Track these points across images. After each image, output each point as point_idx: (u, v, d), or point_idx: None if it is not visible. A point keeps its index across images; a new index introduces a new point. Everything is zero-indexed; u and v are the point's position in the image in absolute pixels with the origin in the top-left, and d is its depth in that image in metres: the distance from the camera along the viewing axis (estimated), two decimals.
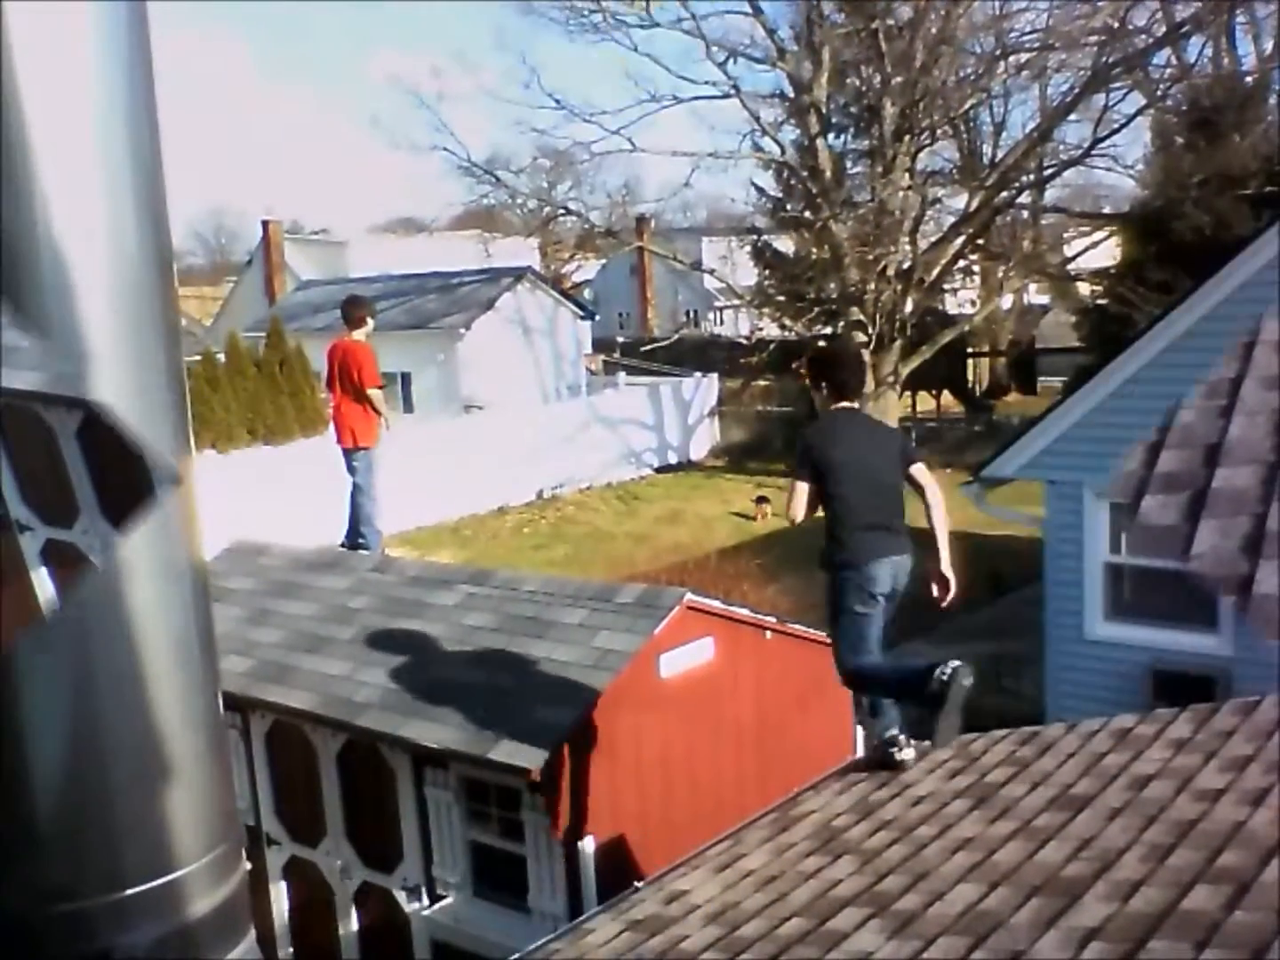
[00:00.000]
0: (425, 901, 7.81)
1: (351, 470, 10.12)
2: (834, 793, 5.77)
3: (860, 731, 8.29)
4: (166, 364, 1.19)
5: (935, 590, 6.26)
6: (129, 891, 1.16)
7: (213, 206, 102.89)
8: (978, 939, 3.63)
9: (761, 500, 26.22)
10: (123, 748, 1.16)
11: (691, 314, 57.42)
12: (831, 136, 32.15)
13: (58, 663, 1.13)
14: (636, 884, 5.33)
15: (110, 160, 1.13)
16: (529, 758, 6.76)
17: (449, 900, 7.68)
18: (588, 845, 7.07)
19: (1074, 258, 35.74)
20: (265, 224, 51.52)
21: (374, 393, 9.91)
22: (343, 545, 9.91)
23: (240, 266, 59.87)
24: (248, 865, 1.30)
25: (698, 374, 36.26)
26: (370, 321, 10.00)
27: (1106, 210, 36.97)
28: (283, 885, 8.85)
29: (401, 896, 7.97)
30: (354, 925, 8.44)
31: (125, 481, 1.47)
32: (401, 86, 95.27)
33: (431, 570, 9.90)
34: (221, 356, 28.75)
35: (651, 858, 6.85)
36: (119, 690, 1.16)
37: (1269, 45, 33.24)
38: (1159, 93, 30.91)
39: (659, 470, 33.48)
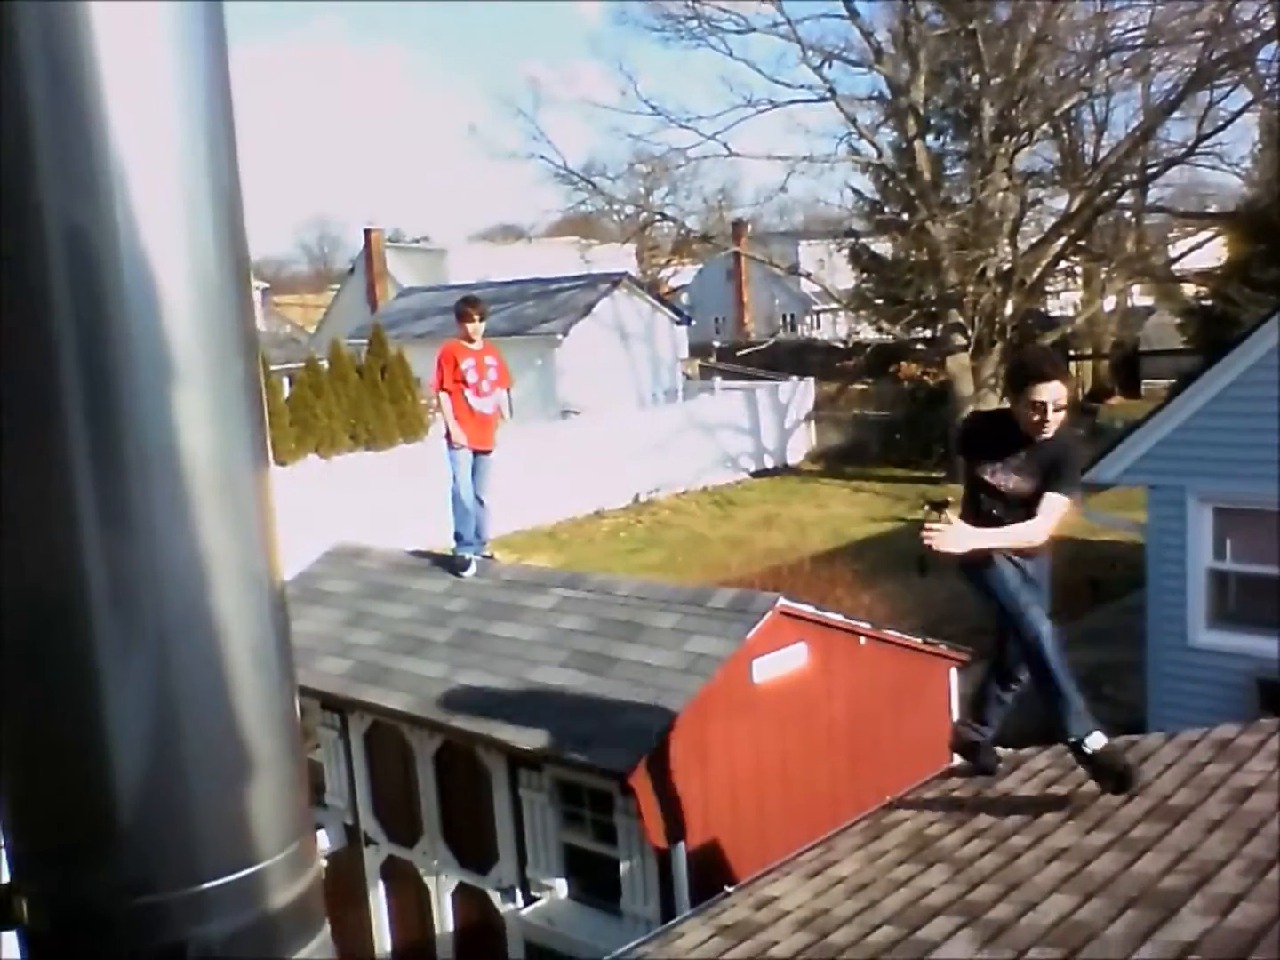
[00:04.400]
0: (520, 902, 7.88)
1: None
2: (927, 800, 5.73)
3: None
4: (244, 377, 1.22)
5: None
6: (206, 885, 1.20)
7: (316, 215, 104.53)
8: (1071, 951, 3.59)
9: (939, 506, 25.94)
10: (202, 746, 1.20)
11: (788, 318, 57.22)
12: (930, 138, 31.92)
13: (140, 662, 1.17)
14: (727, 889, 5.33)
15: (189, 173, 1.16)
16: (621, 761, 6.79)
17: (543, 902, 7.73)
18: (679, 850, 7.07)
19: (1179, 258, 35.10)
20: (367, 232, 52.28)
21: (439, 395, 9.91)
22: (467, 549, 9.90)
23: (343, 274, 60.83)
24: (323, 862, 1.33)
25: (794, 378, 36.10)
26: (464, 322, 9.89)
27: (1212, 209, 36.22)
28: (380, 884, 8.98)
29: (496, 897, 8.04)
30: (449, 925, 8.54)
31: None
32: (499, 95, 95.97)
33: (527, 573, 9.99)
34: (325, 363, 29.20)
35: (743, 863, 6.84)
36: (198, 690, 1.19)
37: None
38: (1266, 88, 30.19)
39: (755, 475, 33.39)
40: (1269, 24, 28.14)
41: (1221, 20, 27.67)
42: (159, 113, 1.13)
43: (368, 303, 49.60)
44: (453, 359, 9.79)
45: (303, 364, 28.88)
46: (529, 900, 7.83)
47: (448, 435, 9.86)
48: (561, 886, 7.71)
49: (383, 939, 9.07)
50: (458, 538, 9.80)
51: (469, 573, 9.57)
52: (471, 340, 9.88)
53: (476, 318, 9.92)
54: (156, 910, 1.18)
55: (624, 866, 7.26)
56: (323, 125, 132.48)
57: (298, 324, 55.54)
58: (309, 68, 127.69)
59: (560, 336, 34.27)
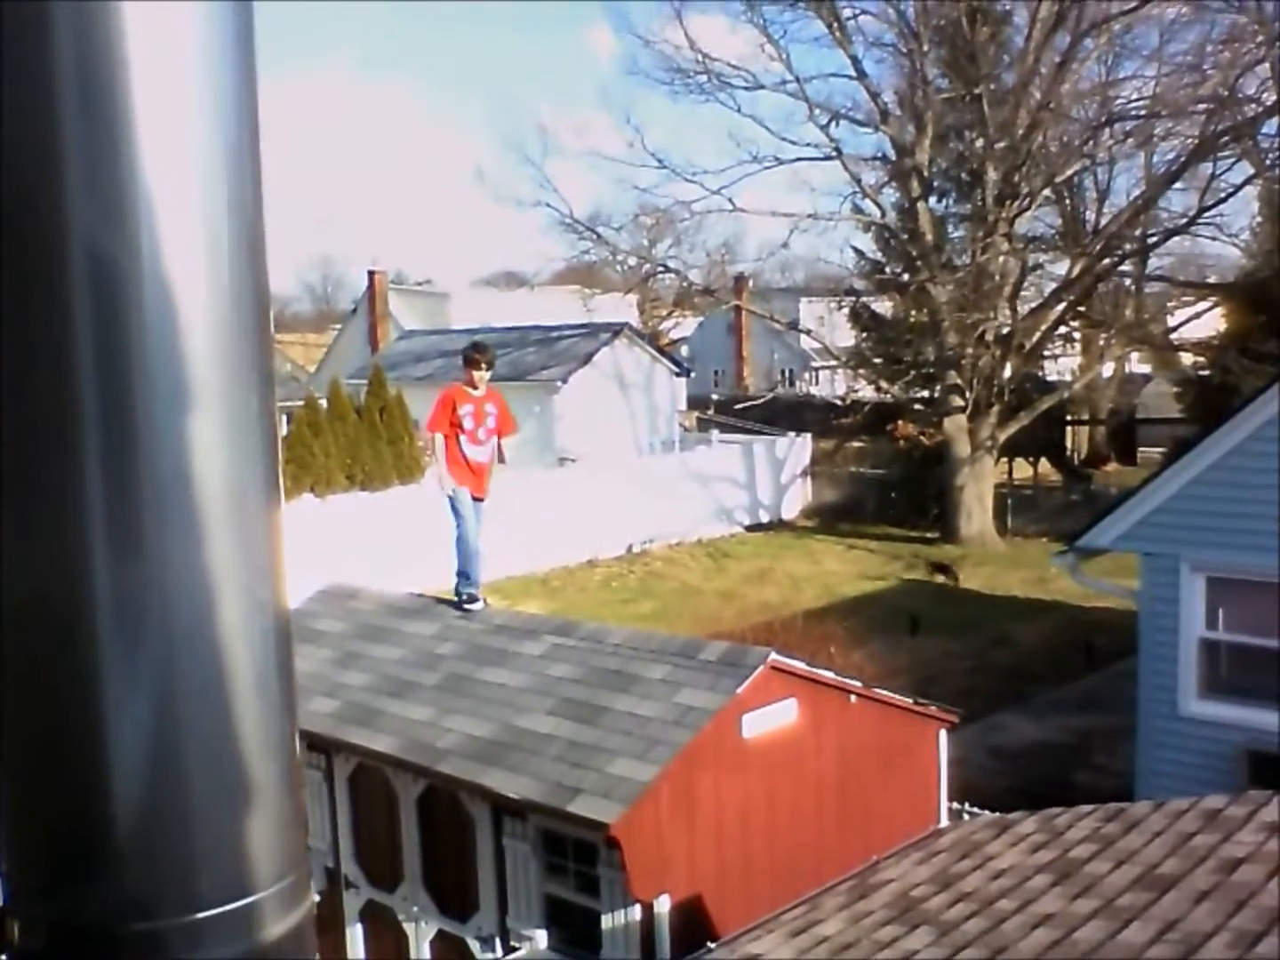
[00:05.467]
0: (499, 952, 7.81)
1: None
2: (914, 862, 5.69)
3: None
4: (259, 408, 1.22)
5: None
6: (202, 914, 1.19)
7: (320, 255, 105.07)
8: None
9: (942, 569, 26.17)
10: (202, 773, 1.19)
11: (787, 373, 57.44)
12: (932, 200, 32.19)
13: (143, 686, 1.17)
14: (710, 944, 5.29)
15: (215, 203, 1.17)
16: (607, 812, 6.75)
17: (522, 952, 7.66)
18: (663, 903, 7.02)
19: (1177, 327, 35.29)
20: (371, 274, 52.54)
21: (434, 438, 9.97)
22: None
23: (345, 315, 61.03)
24: (316, 897, 1.32)
25: (791, 433, 36.21)
26: (470, 369, 9.89)
27: (1211, 280, 36.46)
28: (359, 928, 8.90)
29: (475, 946, 7.97)
30: None
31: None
32: (507, 141, 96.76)
33: (518, 620, 9.97)
34: (324, 402, 29.25)
35: (727, 919, 6.79)
36: (200, 717, 1.19)
37: None
38: (1267, 162, 30.50)
39: (750, 529, 33.39)
40: (1271, 99, 28.48)
41: (1225, 94, 28.00)
42: (188, 141, 1.14)
43: (369, 344, 49.75)
44: (451, 404, 9.82)
45: (302, 402, 28.91)
46: (508, 950, 7.76)
47: (441, 482, 9.92)
48: (541, 937, 7.64)
49: None
50: (464, 576, 9.84)
51: (476, 606, 9.69)
52: (475, 387, 9.90)
53: (484, 365, 9.95)
54: (151, 937, 1.17)
55: (606, 919, 7.21)
56: (330, 165, 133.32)
57: (298, 363, 55.61)
58: (316, 106, 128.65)
59: (559, 384, 34.37)
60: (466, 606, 9.73)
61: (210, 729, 1.19)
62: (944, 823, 8.40)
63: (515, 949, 7.71)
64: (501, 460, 10.54)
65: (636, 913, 7.03)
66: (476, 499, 9.97)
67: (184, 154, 1.14)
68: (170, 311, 1.14)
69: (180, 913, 1.18)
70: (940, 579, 25.85)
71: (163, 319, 1.13)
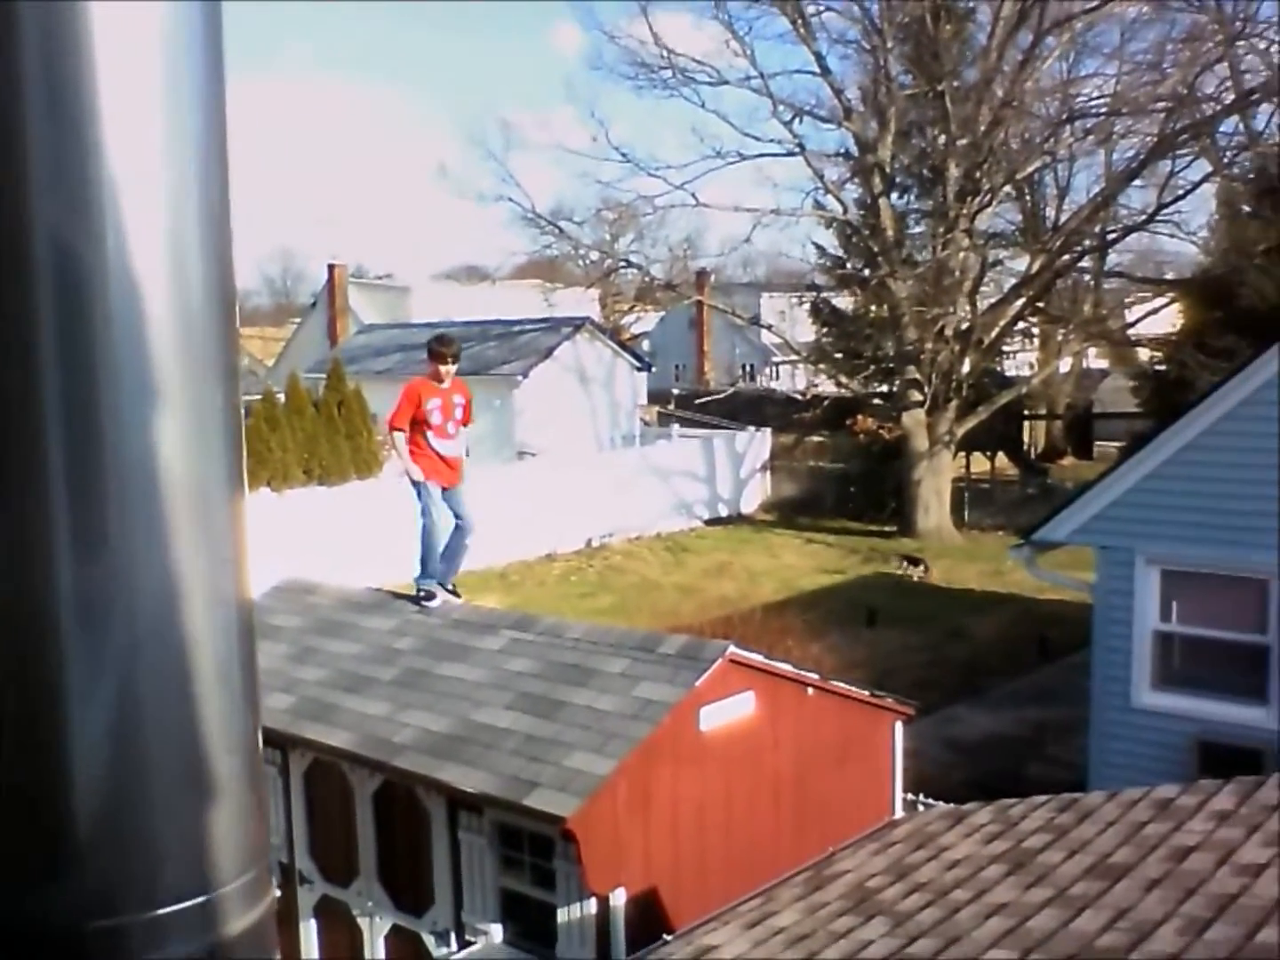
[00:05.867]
0: (454, 946, 7.81)
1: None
2: (869, 853, 5.74)
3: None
4: (224, 403, 1.23)
5: None
6: (165, 910, 1.19)
7: (280, 248, 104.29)
8: None
9: (914, 563, 26.34)
10: (164, 768, 1.20)
11: (748, 368, 57.59)
12: (894, 196, 32.31)
13: (106, 682, 1.17)
14: (666, 937, 5.32)
15: (181, 197, 1.17)
16: (563, 806, 6.76)
17: (478, 946, 7.66)
18: (619, 896, 7.04)
19: (1134, 323, 35.60)
20: (331, 267, 52.25)
21: (393, 434, 9.88)
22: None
23: (304, 308, 60.68)
24: (277, 892, 1.33)
25: (751, 428, 36.29)
26: (436, 362, 9.75)
27: (1169, 276, 36.80)
28: (313, 924, 8.87)
29: (430, 940, 7.97)
30: None
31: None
32: (470, 135, 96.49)
33: (476, 614, 9.96)
34: (281, 396, 29.08)
35: (683, 911, 6.83)
36: (163, 712, 1.19)
37: None
38: (1226, 160, 30.82)
39: (709, 523, 33.47)
40: (1230, 98, 28.77)
41: (1184, 93, 28.27)
42: (154, 136, 1.14)
43: (328, 338, 49.51)
44: (416, 399, 9.70)
45: (259, 396, 28.73)
46: (463, 944, 7.76)
47: (408, 473, 9.79)
48: (497, 931, 7.64)
49: None
50: (424, 570, 9.78)
51: (434, 604, 9.63)
52: (441, 380, 9.77)
53: (449, 359, 9.81)
54: (112, 934, 1.17)
55: (561, 912, 7.22)
56: (290, 158, 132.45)
57: (256, 356, 55.24)
58: (278, 99, 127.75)
59: (520, 378, 34.32)
60: (423, 602, 9.70)
61: (173, 724, 1.20)
62: (899, 814, 8.46)
63: (470, 943, 7.71)
64: (466, 453, 10.45)
65: (592, 906, 7.05)
66: (446, 489, 9.84)
67: (150, 148, 1.14)
68: (135, 306, 1.14)
69: (142, 909, 1.18)
70: (911, 570, 26.03)
71: (127, 313, 1.14)
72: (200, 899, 1.21)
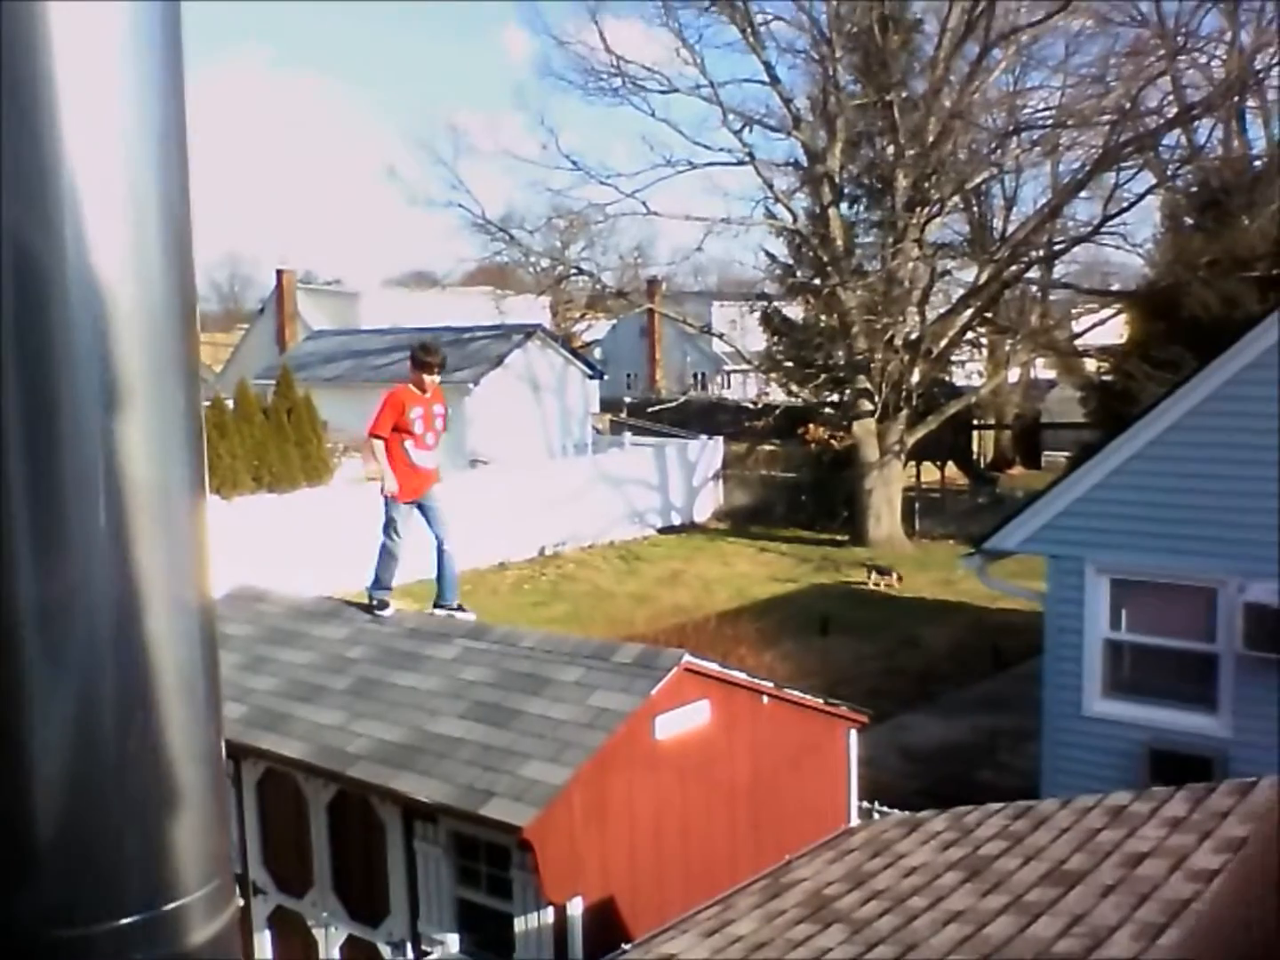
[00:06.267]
0: (410, 957, 7.75)
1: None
2: (826, 861, 5.74)
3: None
4: (186, 407, 1.21)
5: None
6: (128, 920, 1.17)
7: (228, 253, 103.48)
8: None
9: (884, 572, 26.43)
10: (126, 777, 1.17)
11: (699, 377, 57.73)
12: (844, 206, 32.50)
13: (66, 687, 1.15)
14: (625, 946, 5.30)
15: (141, 199, 1.16)
16: (519, 815, 6.73)
17: (434, 956, 7.61)
18: (576, 905, 7.02)
19: (1081, 334, 35.99)
20: (279, 273, 51.92)
21: (373, 441, 9.53)
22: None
23: (252, 314, 60.29)
24: (240, 902, 1.31)
25: (703, 436, 36.37)
26: (420, 371, 9.58)
27: (1115, 287, 37.22)
28: (267, 935, 8.78)
29: (386, 951, 7.91)
30: None
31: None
32: (419, 140, 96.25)
33: (430, 623, 9.89)
34: (230, 403, 28.86)
35: (641, 920, 6.81)
36: (125, 720, 1.17)
37: (1278, 130, 33.61)
38: (1169, 173, 31.23)
39: (662, 531, 33.48)
40: (1172, 112, 29.16)
41: (1128, 106, 28.65)
42: (114, 138, 1.13)
43: (277, 344, 49.17)
44: (400, 407, 9.41)
45: (208, 403, 28.46)
46: (419, 954, 7.71)
47: (384, 484, 9.52)
48: (453, 941, 7.60)
49: None
50: (377, 581, 9.68)
51: (386, 613, 9.51)
52: (424, 389, 9.51)
53: (435, 369, 9.58)
54: (74, 944, 1.15)
55: (519, 921, 7.18)
56: (238, 161, 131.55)
57: (205, 362, 54.86)
58: (226, 101, 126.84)
59: (471, 386, 34.20)
60: (376, 611, 9.58)
61: (135, 731, 1.17)
62: (855, 822, 8.49)
63: (427, 953, 7.65)
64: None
65: (549, 915, 7.02)
66: (418, 501, 9.65)
67: (110, 150, 1.13)
68: (96, 309, 1.12)
69: (105, 919, 1.16)
70: (880, 580, 26.13)
71: (88, 316, 1.12)
72: (164, 909, 1.19)
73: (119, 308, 1.13)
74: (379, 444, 9.42)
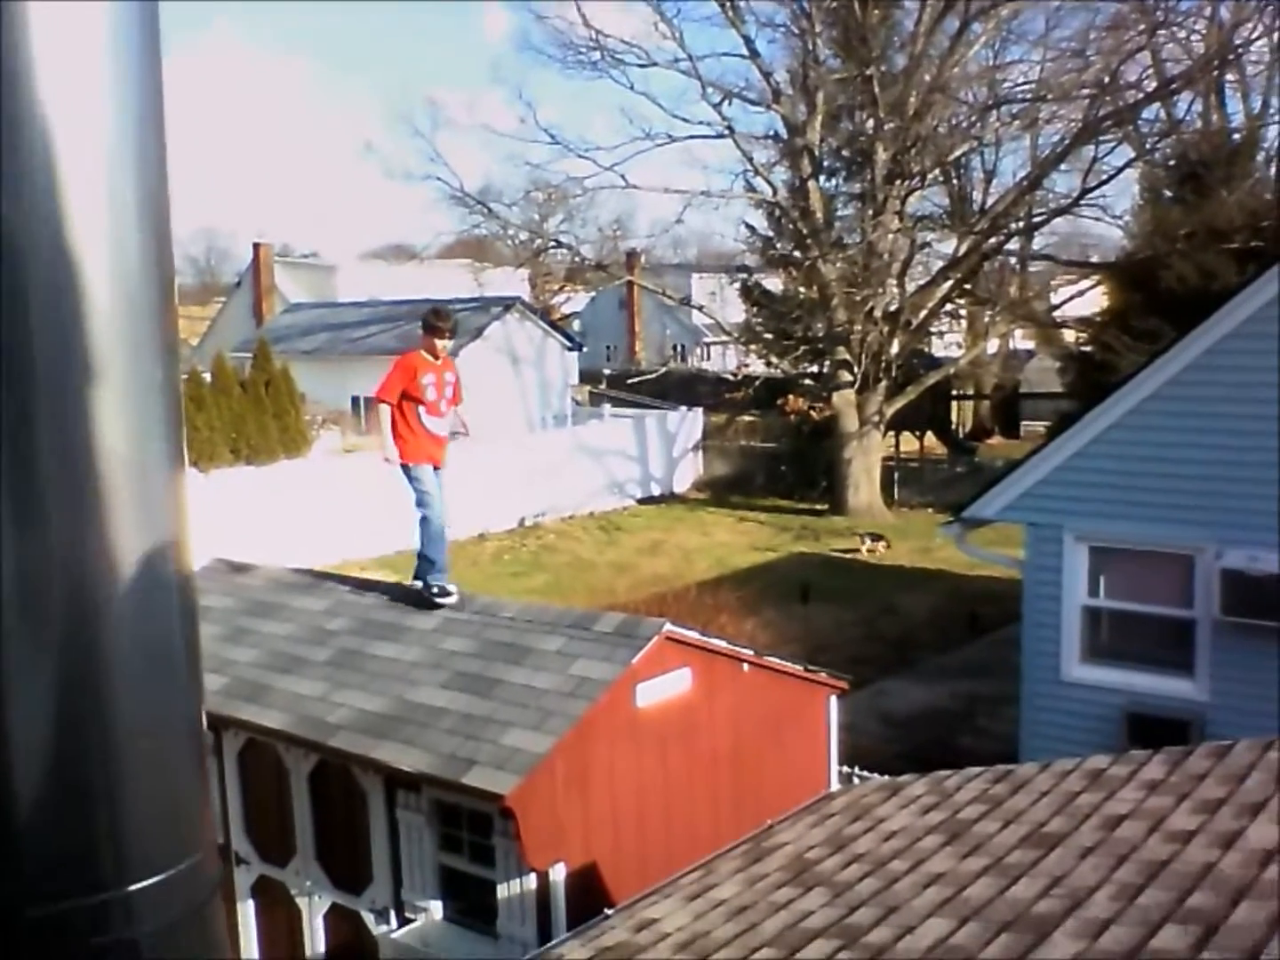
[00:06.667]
0: (393, 924, 7.77)
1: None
2: (807, 825, 5.77)
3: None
4: (164, 381, 1.20)
5: None
6: (108, 895, 1.17)
7: (204, 227, 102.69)
8: None
9: (876, 538, 26.60)
10: (105, 752, 1.17)
11: (679, 348, 57.67)
12: (823, 179, 32.44)
13: (46, 664, 1.14)
14: (607, 911, 5.32)
15: (118, 178, 1.15)
16: (501, 783, 6.74)
17: (417, 923, 7.64)
18: (558, 871, 7.05)
19: (1060, 305, 36.04)
20: (256, 246, 51.59)
21: (379, 406, 9.04)
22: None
23: (229, 287, 59.93)
24: (220, 875, 1.30)
25: (683, 408, 36.36)
26: (431, 336, 9.05)
27: (1093, 259, 37.26)
28: (250, 904, 8.80)
29: (370, 919, 7.93)
30: (321, 946, 8.39)
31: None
32: (398, 114, 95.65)
33: (410, 594, 9.87)
34: (208, 376, 28.73)
35: (623, 885, 6.84)
36: (103, 695, 1.17)
37: (1257, 104, 33.71)
38: (1148, 146, 31.27)
39: (641, 501, 33.51)
40: (1151, 85, 29.17)
41: (1107, 80, 28.64)
42: (92, 117, 1.12)
43: (254, 317, 48.92)
44: (412, 372, 8.95)
45: (185, 376, 28.33)
46: (403, 922, 7.74)
47: (385, 451, 8.96)
48: (437, 908, 7.62)
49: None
50: (430, 562, 8.91)
51: (450, 600, 8.76)
52: (435, 356, 9.10)
53: (447, 334, 9.12)
54: (55, 920, 1.15)
55: (501, 888, 7.21)
56: (214, 134, 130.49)
57: (181, 336, 54.50)
58: (202, 73, 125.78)
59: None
60: (438, 600, 8.75)
61: (115, 705, 1.17)
62: (835, 787, 8.53)
63: (410, 920, 7.68)
64: (466, 432, 9.77)
65: (532, 881, 7.05)
66: (438, 469, 9.13)
67: (90, 131, 1.12)
68: (73, 287, 1.12)
69: (85, 894, 1.15)
70: (875, 546, 26.36)
71: (65, 294, 1.11)
72: (146, 882, 1.19)
73: (95, 286, 1.13)
74: (385, 410, 8.94)
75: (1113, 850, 4.37)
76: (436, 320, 9.22)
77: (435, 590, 8.83)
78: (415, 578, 9.16)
